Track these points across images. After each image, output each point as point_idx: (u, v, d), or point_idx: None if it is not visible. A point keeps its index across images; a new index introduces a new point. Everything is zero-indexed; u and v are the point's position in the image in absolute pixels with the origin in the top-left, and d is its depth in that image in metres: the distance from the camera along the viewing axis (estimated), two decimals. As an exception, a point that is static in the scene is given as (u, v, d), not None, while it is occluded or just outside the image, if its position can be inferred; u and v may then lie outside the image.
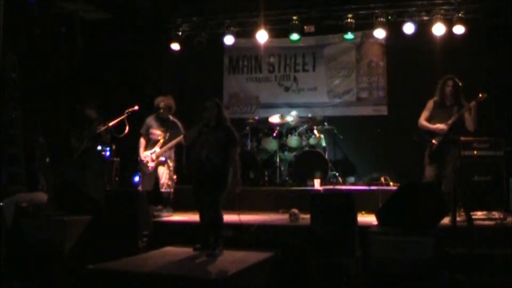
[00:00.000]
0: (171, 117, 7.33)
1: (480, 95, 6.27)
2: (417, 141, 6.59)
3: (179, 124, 7.34)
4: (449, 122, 6.42)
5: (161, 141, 7.21)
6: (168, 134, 7.22)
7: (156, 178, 7.25)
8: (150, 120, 7.33)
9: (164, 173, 7.18)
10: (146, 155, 7.20)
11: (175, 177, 7.33)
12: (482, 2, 8.39)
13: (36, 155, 7.76)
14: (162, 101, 7.24)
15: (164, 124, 7.29)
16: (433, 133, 6.50)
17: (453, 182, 5.84)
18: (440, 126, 6.44)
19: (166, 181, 7.17)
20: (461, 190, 5.83)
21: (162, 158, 7.20)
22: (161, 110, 7.23)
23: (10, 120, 7.72)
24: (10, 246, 5.74)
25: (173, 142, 7.17)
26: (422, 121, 6.63)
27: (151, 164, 7.17)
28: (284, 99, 10.25)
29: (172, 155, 7.34)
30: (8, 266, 5.27)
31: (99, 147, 7.66)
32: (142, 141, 7.32)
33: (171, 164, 7.27)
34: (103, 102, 8.24)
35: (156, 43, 9.84)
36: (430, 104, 6.67)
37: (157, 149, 7.19)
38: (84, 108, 7.60)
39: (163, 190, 7.15)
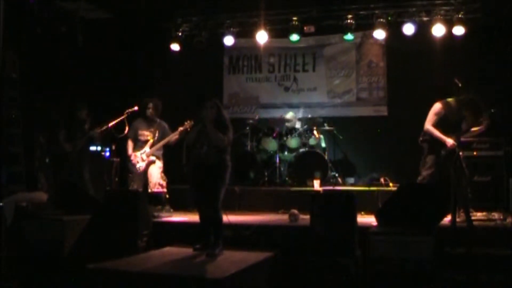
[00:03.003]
0: (157, 118, 7.39)
1: (491, 112, 6.13)
2: (424, 146, 6.38)
3: (166, 124, 7.42)
4: (460, 135, 6.06)
5: (151, 141, 7.25)
6: (157, 134, 7.26)
7: (145, 179, 7.26)
8: (138, 123, 7.38)
9: (155, 173, 7.20)
10: (136, 155, 7.23)
11: (164, 177, 7.35)
12: (482, 2, 8.39)
13: (36, 154, 7.76)
14: (150, 102, 7.30)
15: (152, 124, 7.35)
16: (439, 142, 6.19)
17: (452, 183, 5.82)
18: (451, 141, 6.07)
19: (158, 180, 7.19)
20: (461, 190, 5.82)
21: (152, 158, 7.23)
22: (150, 110, 7.27)
23: (10, 119, 7.72)
24: (10, 246, 5.73)
25: (163, 141, 7.23)
26: (431, 126, 6.24)
27: (141, 164, 7.19)
28: (284, 99, 10.26)
29: (161, 155, 7.38)
30: (8, 266, 5.27)
31: (96, 147, 7.67)
32: (130, 143, 7.37)
33: (160, 164, 7.31)
34: (102, 102, 8.24)
35: (156, 43, 9.85)
36: (439, 108, 6.28)
37: (147, 149, 7.23)
38: (76, 109, 7.61)
39: (154, 190, 7.16)
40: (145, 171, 7.23)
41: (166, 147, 7.37)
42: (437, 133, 6.23)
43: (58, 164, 7.43)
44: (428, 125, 6.30)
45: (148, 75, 9.78)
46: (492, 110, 6.14)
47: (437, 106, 6.32)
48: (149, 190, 7.18)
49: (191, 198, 5.85)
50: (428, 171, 6.35)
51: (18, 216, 6.21)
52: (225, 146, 5.60)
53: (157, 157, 7.30)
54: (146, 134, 7.31)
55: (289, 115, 9.20)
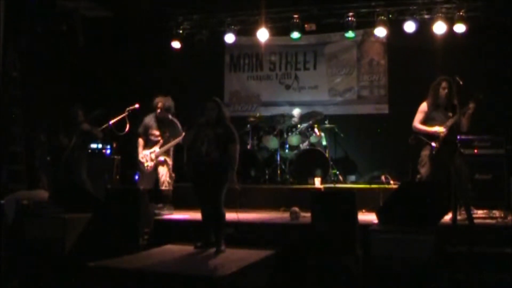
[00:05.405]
0: (170, 117, 7.31)
1: (479, 96, 6.15)
2: (414, 145, 6.47)
3: (178, 123, 7.31)
4: (448, 124, 6.22)
5: (161, 141, 7.20)
6: (167, 134, 7.21)
7: (156, 177, 7.25)
8: (149, 120, 7.30)
9: (164, 172, 7.18)
10: (145, 154, 7.19)
11: (173, 175, 7.33)
12: (483, 0, 8.37)
13: (37, 153, 7.75)
14: (160, 102, 7.18)
15: (163, 124, 7.26)
16: (431, 136, 6.31)
17: (453, 181, 5.82)
18: (439, 129, 6.22)
19: (166, 179, 7.17)
20: (462, 188, 5.81)
21: (161, 158, 7.20)
22: (159, 111, 7.19)
23: (11, 118, 7.71)
24: (10, 244, 5.74)
25: (172, 142, 7.16)
26: (418, 124, 6.40)
27: (149, 164, 7.17)
28: (285, 98, 10.25)
29: (171, 153, 7.35)
30: (8, 264, 5.27)
31: (97, 145, 7.65)
32: (141, 141, 7.29)
33: (170, 162, 7.28)
34: (102, 100, 8.22)
35: (157, 41, 9.84)
36: (424, 106, 6.46)
37: (156, 149, 7.19)
38: (74, 109, 7.59)
39: (163, 188, 7.15)
40: (154, 170, 7.20)
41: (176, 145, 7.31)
42: (423, 127, 6.35)
43: (58, 162, 7.43)
44: (415, 123, 6.45)
45: (149, 73, 9.77)
46: (481, 96, 6.09)
47: (422, 105, 6.49)
48: (159, 188, 7.17)
49: (194, 196, 5.84)
50: (425, 167, 6.36)
51: (19, 214, 6.20)
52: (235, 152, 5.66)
53: (167, 155, 7.26)
54: (157, 134, 7.23)
55: (296, 111, 9.20)
